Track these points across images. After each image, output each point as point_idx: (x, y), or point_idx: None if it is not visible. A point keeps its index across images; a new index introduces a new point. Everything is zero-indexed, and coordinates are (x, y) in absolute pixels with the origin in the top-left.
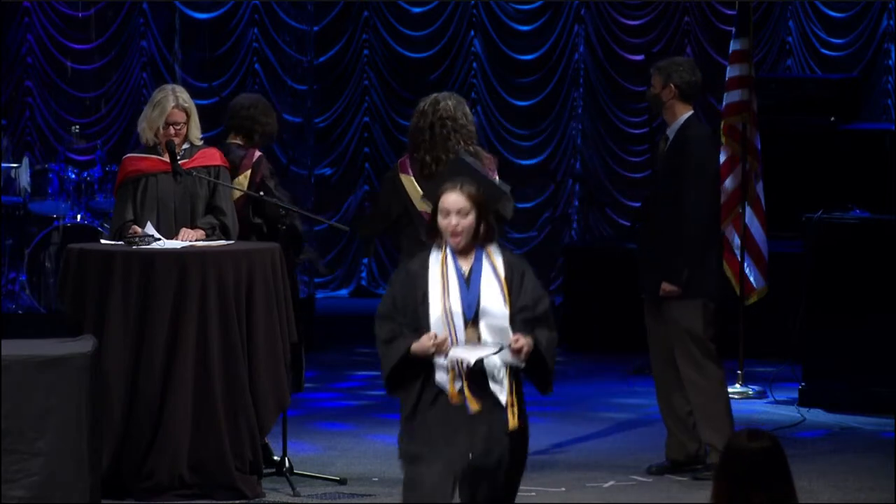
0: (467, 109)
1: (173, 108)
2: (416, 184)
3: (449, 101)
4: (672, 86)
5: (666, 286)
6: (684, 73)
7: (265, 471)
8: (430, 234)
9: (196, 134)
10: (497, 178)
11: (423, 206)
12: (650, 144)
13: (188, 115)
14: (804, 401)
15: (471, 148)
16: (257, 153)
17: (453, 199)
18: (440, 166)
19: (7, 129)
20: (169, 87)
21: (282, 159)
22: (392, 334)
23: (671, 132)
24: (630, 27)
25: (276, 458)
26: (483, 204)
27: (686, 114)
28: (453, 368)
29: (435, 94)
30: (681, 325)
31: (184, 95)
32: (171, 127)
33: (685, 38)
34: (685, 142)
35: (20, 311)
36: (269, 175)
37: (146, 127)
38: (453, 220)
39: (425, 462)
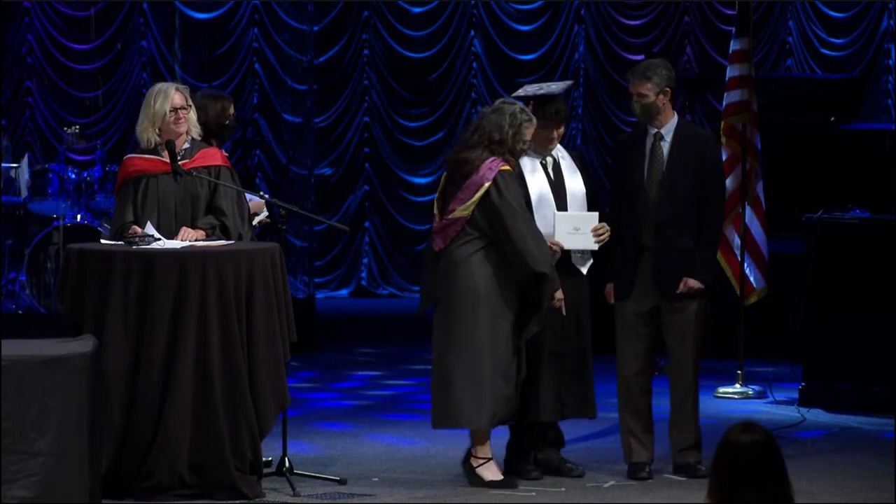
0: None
1: (175, 90)
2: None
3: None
4: (668, 89)
5: (693, 283)
6: (669, 72)
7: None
8: None
9: (196, 128)
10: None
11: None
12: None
13: (188, 102)
14: (804, 401)
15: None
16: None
17: None
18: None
19: (7, 129)
20: (160, 83)
21: (282, 159)
22: None
23: (667, 132)
24: (630, 27)
25: (267, 459)
26: None
27: (674, 114)
28: None
29: (522, 109)
30: (690, 325)
31: (178, 84)
32: (177, 112)
33: (685, 38)
34: (697, 144)
35: (20, 311)
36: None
37: (147, 124)
38: None
39: None
